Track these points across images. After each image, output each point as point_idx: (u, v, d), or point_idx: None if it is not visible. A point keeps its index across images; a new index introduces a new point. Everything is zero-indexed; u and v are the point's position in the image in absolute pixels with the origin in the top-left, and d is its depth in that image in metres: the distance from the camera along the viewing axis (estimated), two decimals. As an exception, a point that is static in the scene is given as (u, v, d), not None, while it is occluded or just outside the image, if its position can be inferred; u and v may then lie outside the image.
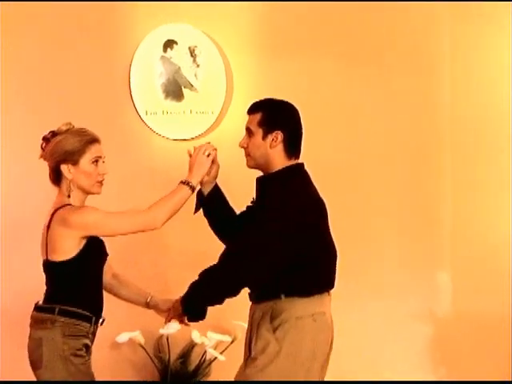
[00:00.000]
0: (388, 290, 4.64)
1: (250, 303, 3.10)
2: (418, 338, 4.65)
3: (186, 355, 4.40)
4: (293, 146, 3.09)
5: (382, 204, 4.69)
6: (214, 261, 3.00)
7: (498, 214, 4.71)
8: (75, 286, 3.06)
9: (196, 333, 4.31)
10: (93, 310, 3.08)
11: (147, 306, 3.35)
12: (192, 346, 4.37)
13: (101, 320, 3.14)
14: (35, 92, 4.47)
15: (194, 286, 3.00)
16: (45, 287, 3.12)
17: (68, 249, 3.01)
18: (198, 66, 4.55)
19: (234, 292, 2.96)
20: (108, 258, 3.22)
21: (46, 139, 3.13)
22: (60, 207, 3.05)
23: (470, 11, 4.71)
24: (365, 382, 4.49)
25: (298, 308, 2.94)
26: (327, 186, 4.56)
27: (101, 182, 3.13)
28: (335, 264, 3.13)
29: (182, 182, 3.09)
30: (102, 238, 3.13)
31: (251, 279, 2.97)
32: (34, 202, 4.27)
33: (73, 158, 3.06)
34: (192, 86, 4.56)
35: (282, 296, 2.95)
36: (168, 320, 3.26)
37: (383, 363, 4.55)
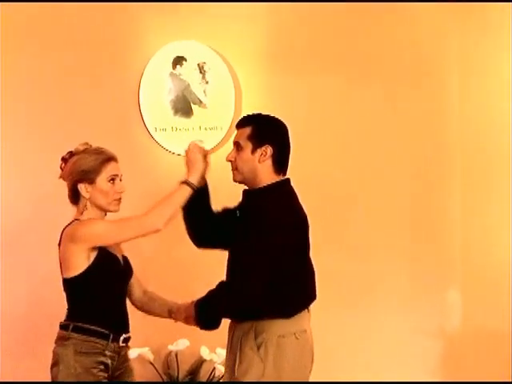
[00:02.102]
0: (398, 306, 4.63)
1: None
2: (428, 354, 4.62)
3: (194, 372, 4.38)
4: (281, 161, 3.08)
5: (391, 221, 4.69)
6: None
7: (509, 231, 4.69)
8: (88, 302, 3.09)
9: (205, 349, 4.30)
10: (110, 327, 3.08)
11: (170, 314, 3.29)
12: (201, 362, 4.36)
13: (123, 337, 3.13)
14: (44, 109, 4.49)
15: (212, 295, 2.98)
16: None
17: (78, 264, 3.04)
18: (207, 82, 4.57)
19: (252, 306, 2.94)
20: (134, 274, 3.26)
21: (64, 159, 3.17)
22: (68, 225, 3.09)
23: (478, 23, 4.72)
24: (365, 383, 4.46)
25: (280, 326, 2.95)
26: (332, 201, 4.62)
27: (118, 200, 3.16)
28: (314, 281, 3.12)
29: (182, 182, 3.12)
30: (116, 253, 3.16)
31: (260, 295, 2.93)
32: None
33: (89, 177, 3.10)
34: (201, 102, 4.57)
35: (264, 317, 2.95)
36: (176, 321, 3.23)
37: (393, 379, 4.52)
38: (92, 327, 3.04)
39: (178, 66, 4.57)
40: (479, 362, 4.60)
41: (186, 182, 3.11)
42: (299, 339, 2.96)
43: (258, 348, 2.93)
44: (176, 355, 4.32)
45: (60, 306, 3.17)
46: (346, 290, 4.59)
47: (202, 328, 3.05)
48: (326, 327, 4.48)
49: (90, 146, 3.17)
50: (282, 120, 3.13)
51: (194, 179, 3.11)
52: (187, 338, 4.27)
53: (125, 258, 3.25)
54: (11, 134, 4.47)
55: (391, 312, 4.62)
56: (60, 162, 3.18)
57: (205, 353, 4.30)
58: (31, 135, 4.48)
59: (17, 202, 4.44)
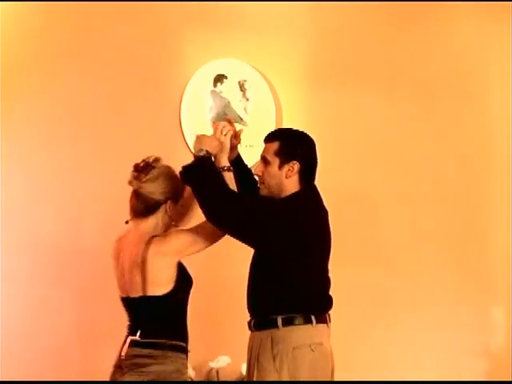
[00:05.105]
0: (444, 325, 4.59)
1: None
2: (473, 373, 4.57)
3: (235, 389, 4.38)
4: (308, 176, 3.07)
5: (437, 238, 4.65)
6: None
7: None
8: (177, 319, 3.08)
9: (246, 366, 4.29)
10: (187, 344, 3.10)
11: None
12: (242, 379, 4.34)
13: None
14: (85, 128, 4.54)
15: (213, 172, 2.97)
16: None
17: (169, 280, 3.01)
18: (247, 99, 4.59)
19: (216, 209, 2.93)
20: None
21: (139, 169, 3.11)
22: (149, 240, 3.04)
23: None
24: (365, 382, 4.41)
25: (296, 338, 2.94)
26: (377, 220, 4.60)
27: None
28: (327, 295, 3.09)
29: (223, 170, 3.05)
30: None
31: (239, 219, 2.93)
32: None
33: (177, 197, 3.11)
34: (241, 119, 4.59)
35: (280, 324, 2.94)
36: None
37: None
38: (181, 344, 3.06)
39: (218, 84, 4.59)
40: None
41: (224, 169, 3.05)
42: (315, 351, 2.95)
43: (274, 359, 2.93)
44: (217, 372, 4.32)
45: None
46: (388, 308, 4.56)
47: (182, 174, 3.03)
48: (368, 344, 4.46)
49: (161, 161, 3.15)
50: (309, 135, 3.12)
51: (223, 163, 3.06)
52: (228, 355, 4.27)
53: None
54: (58, 148, 4.53)
55: (436, 330, 4.58)
56: (132, 169, 3.12)
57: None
58: (70, 156, 4.54)
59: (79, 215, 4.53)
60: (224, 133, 3.09)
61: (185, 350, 3.07)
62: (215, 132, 3.10)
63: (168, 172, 3.12)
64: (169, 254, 2.99)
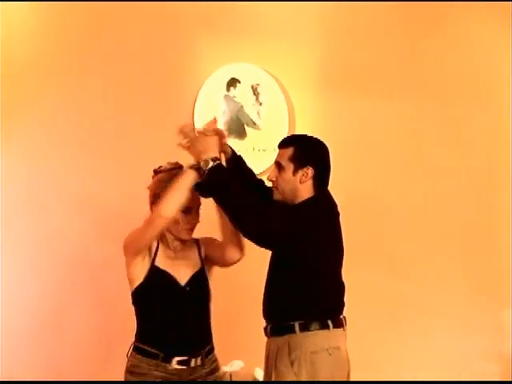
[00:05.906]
0: (455, 328, 4.58)
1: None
2: (486, 376, 4.55)
3: (248, 393, 4.39)
4: (322, 182, 3.10)
5: (448, 244, 4.64)
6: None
7: None
8: (143, 319, 3.08)
9: (259, 370, 4.29)
10: (161, 347, 3.03)
11: None
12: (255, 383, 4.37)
13: (176, 359, 3.05)
14: (99, 130, 4.56)
15: (229, 180, 2.97)
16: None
17: (132, 278, 3.05)
18: (260, 104, 4.60)
19: (239, 217, 2.94)
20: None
21: (155, 172, 3.15)
22: None
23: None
24: (365, 382, 4.39)
25: (313, 342, 2.96)
26: (388, 224, 4.59)
27: (189, 229, 3.12)
28: (342, 300, 3.11)
29: (190, 167, 3.03)
30: (168, 270, 3.08)
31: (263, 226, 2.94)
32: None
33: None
34: (255, 123, 4.60)
35: (297, 329, 2.96)
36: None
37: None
38: (144, 346, 3.03)
39: (232, 88, 4.60)
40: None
41: (191, 166, 3.02)
42: (332, 355, 2.98)
43: (292, 364, 2.95)
44: (230, 376, 4.32)
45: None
46: (399, 311, 4.56)
47: (197, 185, 3.01)
48: (380, 347, 4.46)
49: (179, 166, 3.12)
50: (323, 141, 3.14)
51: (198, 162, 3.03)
52: (242, 360, 4.28)
53: (195, 276, 3.14)
54: (66, 151, 4.55)
55: (447, 333, 4.57)
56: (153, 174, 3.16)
57: (259, 374, 4.29)
58: (86, 155, 4.56)
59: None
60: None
61: (145, 353, 3.02)
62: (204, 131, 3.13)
63: (159, 177, 3.11)
64: (124, 254, 3.04)
